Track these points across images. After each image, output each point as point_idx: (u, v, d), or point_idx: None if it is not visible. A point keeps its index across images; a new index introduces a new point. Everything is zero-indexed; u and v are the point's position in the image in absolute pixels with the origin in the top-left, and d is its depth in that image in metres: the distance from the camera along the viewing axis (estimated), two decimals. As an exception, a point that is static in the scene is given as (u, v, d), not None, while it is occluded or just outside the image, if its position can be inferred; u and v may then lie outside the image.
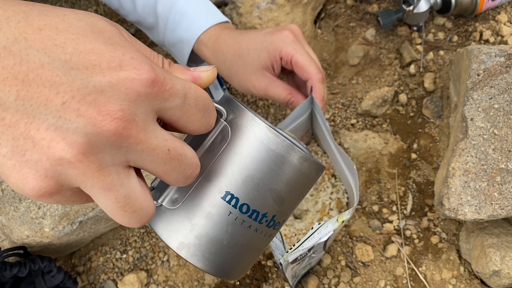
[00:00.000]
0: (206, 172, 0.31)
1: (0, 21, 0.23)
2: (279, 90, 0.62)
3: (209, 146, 0.31)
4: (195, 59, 0.71)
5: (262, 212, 0.32)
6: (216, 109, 0.30)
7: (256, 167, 0.30)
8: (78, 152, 0.23)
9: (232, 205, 0.31)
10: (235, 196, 0.31)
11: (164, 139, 0.26)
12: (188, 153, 0.27)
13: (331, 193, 0.72)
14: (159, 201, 0.32)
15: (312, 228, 0.52)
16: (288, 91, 0.62)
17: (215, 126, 0.31)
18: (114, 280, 0.72)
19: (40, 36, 0.23)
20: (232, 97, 0.32)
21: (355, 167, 0.56)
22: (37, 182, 0.23)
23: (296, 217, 0.72)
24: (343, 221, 0.53)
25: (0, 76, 0.22)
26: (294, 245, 0.52)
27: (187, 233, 0.31)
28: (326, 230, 0.52)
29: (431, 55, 0.81)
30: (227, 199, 0.31)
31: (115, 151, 0.24)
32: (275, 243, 0.60)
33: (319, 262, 0.71)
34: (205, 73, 0.29)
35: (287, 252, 0.52)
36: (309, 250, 0.55)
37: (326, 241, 0.56)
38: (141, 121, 0.24)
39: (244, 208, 0.31)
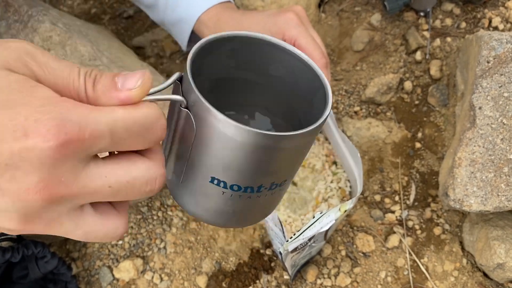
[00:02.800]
0: (189, 160, 0.30)
1: None
2: None
3: (181, 135, 0.30)
4: (196, 40, 0.69)
5: (257, 186, 0.31)
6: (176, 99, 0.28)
7: (228, 157, 0.29)
8: (19, 224, 0.23)
9: (222, 187, 0.30)
10: (221, 180, 0.30)
11: (102, 177, 0.24)
12: (137, 174, 0.25)
13: (331, 181, 0.71)
14: (168, 176, 0.33)
15: (314, 217, 0.50)
16: None
17: (179, 116, 0.29)
18: (109, 267, 0.71)
19: None
20: (189, 76, 0.29)
21: (359, 155, 0.54)
22: None
23: (293, 204, 0.70)
24: (345, 211, 0.52)
25: None
26: (294, 234, 0.51)
27: (194, 206, 0.33)
28: (327, 219, 0.51)
29: (438, 41, 0.79)
30: (215, 182, 0.30)
31: (56, 208, 0.24)
32: (275, 232, 0.58)
33: (319, 252, 0.69)
34: (135, 91, 0.25)
35: (287, 241, 0.51)
36: (309, 240, 0.54)
37: (327, 231, 0.54)
38: (69, 178, 0.23)
39: (235, 187, 0.30)
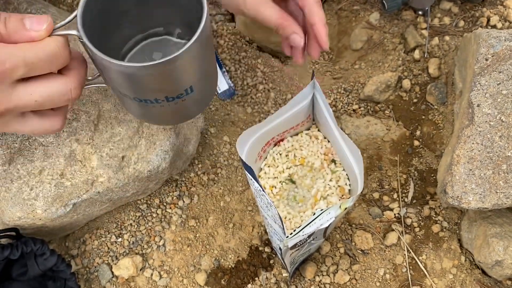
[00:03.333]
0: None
1: None
2: (272, 11, 0.58)
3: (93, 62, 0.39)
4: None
5: (153, 98, 0.38)
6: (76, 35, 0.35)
7: (115, 79, 0.36)
8: None
9: (133, 99, 0.38)
10: (125, 93, 0.38)
11: (27, 95, 0.33)
12: (55, 89, 0.34)
13: (330, 180, 0.71)
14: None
15: (314, 214, 0.50)
16: (280, 14, 0.58)
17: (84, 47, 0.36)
18: (108, 264, 0.71)
19: None
20: (78, 12, 0.35)
21: (360, 153, 0.55)
22: None
23: (292, 202, 0.70)
24: (346, 208, 0.52)
25: None
26: (294, 230, 0.51)
27: (131, 112, 0.45)
28: (328, 217, 0.51)
29: (436, 40, 0.80)
30: (122, 95, 0.39)
31: (3, 118, 0.34)
32: (274, 229, 0.58)
33: (318, 249, 0.70)
34: (41, 32, 0.33)
35: (287, 237, 0.51)
36: (309, 237, 0.54)
37: (326, 228, 0.55)
38: (3, 99, 0.32)
39: (137, 99, 0.38)
